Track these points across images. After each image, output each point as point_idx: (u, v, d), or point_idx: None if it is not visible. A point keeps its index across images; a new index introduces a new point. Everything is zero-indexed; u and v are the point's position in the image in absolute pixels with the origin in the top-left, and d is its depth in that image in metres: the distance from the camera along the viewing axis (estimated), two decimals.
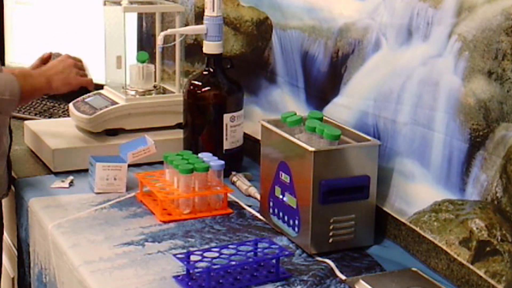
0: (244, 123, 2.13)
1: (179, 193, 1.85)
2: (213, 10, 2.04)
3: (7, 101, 1.87)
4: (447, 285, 1.56)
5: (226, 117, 2.05)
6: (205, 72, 2.09)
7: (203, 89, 2.07)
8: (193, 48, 2.51)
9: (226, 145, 2.07)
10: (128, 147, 2.00)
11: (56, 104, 2.70)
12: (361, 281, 1.53)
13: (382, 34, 1.73)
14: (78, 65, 2.14)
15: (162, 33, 2.09)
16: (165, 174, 1.93)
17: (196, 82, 2.08)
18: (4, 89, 1.87)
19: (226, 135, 2.06)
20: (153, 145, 1.99)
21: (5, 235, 2.33)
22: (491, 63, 1.44)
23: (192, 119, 2.10)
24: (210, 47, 2.07)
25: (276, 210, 1.77)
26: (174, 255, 1.56)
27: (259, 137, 1.86)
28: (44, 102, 2.72)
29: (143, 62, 2.24)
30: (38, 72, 2.05)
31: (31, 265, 1.95)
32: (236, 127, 2.07)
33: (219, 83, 2.08)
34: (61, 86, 2.08)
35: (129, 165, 1.98)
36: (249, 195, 1.97)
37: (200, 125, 2.09)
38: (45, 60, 2.17)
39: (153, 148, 1.99)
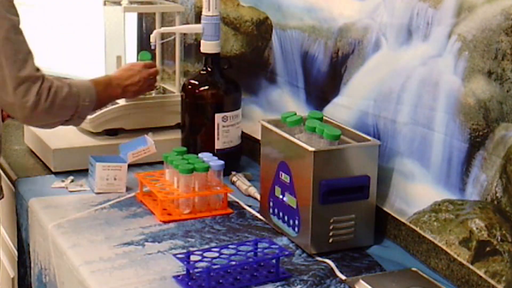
0: (243, 123, 2.13)
1: (179, 193, 1.85)
2: (209, 10, 2.05)
3: (86, 106, 1.92)
4: (447, 285, 1.56)
5: (218, 117, 2.05)
6: (202, 72, 2.09)
7: (200, 89, 2.07)
8: (193, 48, 2.51)
9: (218, 145, 2.07)
10: (128, 147, 2.00)
11: None
12: (361, 281, 1.53)
13: (382, 34, 1.73)
14: (151, 74, 2.16)
15: (155, 31, 2.10)
16: (165, 174, 1.93)
17: (193, 81, 2.09)
18: (85, 95, 1.91)
19: (218, 134, 2.06)
20: (153, 145, 1.99)
21: (5, 235, 2.34)
22: (491, 63, 1.44)
23: (189, 119, 2.10)
24: (207, 46, 2.07)
25: (276, 210, 1.77)
26: (174, 255, 1.56)
27: (259, 137, 1.86)
28: None
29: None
30: (117, 82, 2.07)
31: (32, 265, 1.95)
32: (229, 127, 2.07)
33: (216, 82, 2.08)
34: (131, 96, 2.14)
35: (129, 165, 1.98)
36: (249, 195, 1.97)
37: (197, 124, 2.09)
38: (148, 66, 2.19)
39: (153, 148, 1.99)
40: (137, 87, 2.11)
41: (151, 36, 2.08)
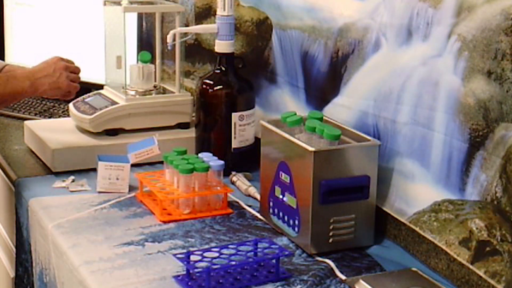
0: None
1: (179, 193, 1.85)
2: (224, 10, 2.06)
3: None
4: (447, 285, 1.57)
5: (235, 116, 2.06)
6: (216, 71, 2.10)
7: (215, 88, 2.08)
8: (193, 48, 2.51)
9: (235, 144, 2.08)
10: (136, 147, 2.00)
11: (56, 104, 2.70)
12: (361, 281, 1.53)
13: (382, 34, 1.73)
14: (70, 68, 2.10)
15: (172, 31, 2.09)
16: (165, 174, 1.93)
17: (208, 81, 2.09)
18: None
19: (235, 133, 2.07)
20: (156, 146, 1.98)
21: (5, 236, 2.34)
22: (491, 63, 1.44)
23: (204, 118, 2.11)
24: (221, 46, 2.08)
25: (276, 210, 1.77)
26: (174, 255, 1.56)
27: (259, 137, 1.87)
28: (44, 102, 2.72)
29: (146, 62, 2.24)
30: (24, 74, 1.99)
31: (33, 264, 1.95)
32: (245, 126, 2.08)
33: (230, 82, 2.09)
34: (48, 90, 2.04)
35: (131, 165, 1.98)
36: (249, 195, 1.97)
37: (211, 123, 2.10)
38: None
39: (156, 149, 1.99)
40: (53, 79, 2.02)
41: (168, 36, 2.08)
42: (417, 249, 1.67)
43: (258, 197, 1.90)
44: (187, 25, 2.50)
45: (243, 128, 2.08)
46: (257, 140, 2.05)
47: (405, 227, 1.69)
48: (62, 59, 2.09)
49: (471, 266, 1.51)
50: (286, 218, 1.73)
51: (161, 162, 1.97)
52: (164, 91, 2.30)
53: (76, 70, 2.12)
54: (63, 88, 2.07)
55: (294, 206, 1.69)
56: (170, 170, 1.90)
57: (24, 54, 2.90)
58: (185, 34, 2.22)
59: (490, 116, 1.45)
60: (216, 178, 1.88)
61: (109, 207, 1.89)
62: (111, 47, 2.28)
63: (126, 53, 2.24)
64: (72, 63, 2.13)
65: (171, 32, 2.09)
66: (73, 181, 2.03)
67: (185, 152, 1.93)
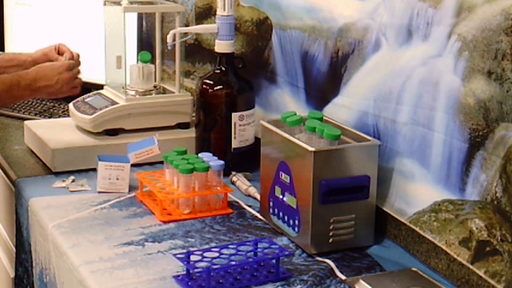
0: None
1: (179, 193, 1.85)
2: (224, 10, 2.06)
3: None
4: (447, 285, 1.57)
5: (235, 116, 2.06)
6: (216, 71, 2.10)
7: (215, 88, 2.08)
8: (193, 48, 2.51)
9: (235, 144, 2.08)
10: (136, 147, 2.00)
11: (56, 104, 2.70)
12: (361, 281, 1.53)
13: (382, 34, 1.73)
14: (73, 76, 2.10)
15: (172, 31, 2.10)
16: (165, 174, 1.93)
17: (208, 81, 2.10)
18: None
19: (235, 133, 2.07)
20: (156, 146, 1.99)
21: (5, 236, 2.34)
22: (491, 63, 1.44)
23: (204, 118, 2.11)
24: (221, 46, 2.08)
25: (276, 210, 1.77)
26: (174, 255, 1.56)
27: (259, 137, 1.87)
28: (44, 102, 2.72)
29: (146, 62, 2.24)
30: (27, 83, 2.00)
31: (33, 264, 1.95)
32: (245, 126, 2.08)
33: (230, 82, 2.09)
34: (45, 96, 2.10)
35: (131, 165, 1.98)
36: (249, 195, 1.97)
37: (211, 123, 2.10)
38: (61, 53, 2.15)
39: (156, 149, 1.99)
40: (54, 89, 2.05)
41: (168, 36, 2.08)
42: (417, 249, 1.67)
43: (258, 197, 1.90)
44: (187, 25, 2.50)
45: (243, 128, 2.08)
46: (257, 140, 2.05)
47: (405, 227, 1.69)
48: (68, 68, 2.08)
49: (471, 266, 1.51)
50: (286, 218, 1.73)
51: (161, 162, 1.97)
52: (164, 91, 2.30)
53: (78, 77, 2.12)
54: (60, 95, 2.11)
55: (294, 206, 1.69)
56: (170, 170, 1.90)
57: None
58: (185, 34, 2.23)
59: (490, 116, 1.45)
60: (216, 178, 1.88)
61: (109, 207, 1.89)
62: (111, 47, 2.28)
63: (126, 53, 2.24)
64: (76, 65, 2.13)
65: (171, 32, 2.09)
66: (73, 181, 2.03)
67: (185, 152, 1.93)
